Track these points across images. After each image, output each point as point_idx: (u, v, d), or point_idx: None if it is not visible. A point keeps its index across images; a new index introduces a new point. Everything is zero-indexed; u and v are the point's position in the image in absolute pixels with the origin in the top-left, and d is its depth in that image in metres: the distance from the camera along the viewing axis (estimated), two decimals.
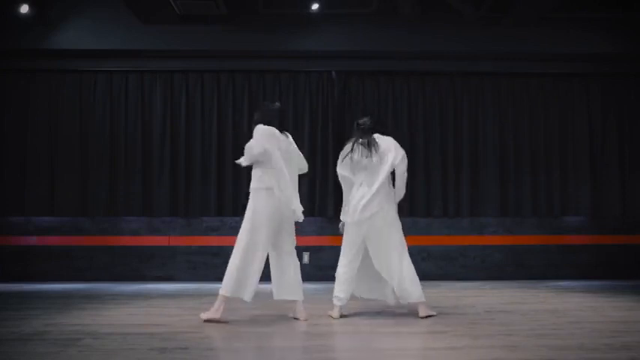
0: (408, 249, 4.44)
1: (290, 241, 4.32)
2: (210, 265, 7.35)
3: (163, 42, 7.21)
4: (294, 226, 4.34)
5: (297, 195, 4.29)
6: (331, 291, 4.47)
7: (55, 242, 7.38)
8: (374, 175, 4.42)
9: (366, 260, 4.47)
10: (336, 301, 4.40)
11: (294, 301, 4.31)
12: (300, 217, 4.22)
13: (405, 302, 4.41)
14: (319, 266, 7.32)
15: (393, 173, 4.46)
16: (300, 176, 4.07)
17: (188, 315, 4.52)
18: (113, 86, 7.51)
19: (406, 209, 7.09)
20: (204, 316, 4.17)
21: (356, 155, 4.47)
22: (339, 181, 4.63)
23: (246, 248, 4.13)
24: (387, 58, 7.51)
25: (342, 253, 4.47)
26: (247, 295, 4.12)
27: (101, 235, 7.42)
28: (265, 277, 4.35)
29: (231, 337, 3.72)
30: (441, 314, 4.49)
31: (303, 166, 4.54)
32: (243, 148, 4.33)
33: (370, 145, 4.46)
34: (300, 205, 4.19)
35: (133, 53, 7.30)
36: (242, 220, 4.24)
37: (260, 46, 7.29)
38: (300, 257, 4.86)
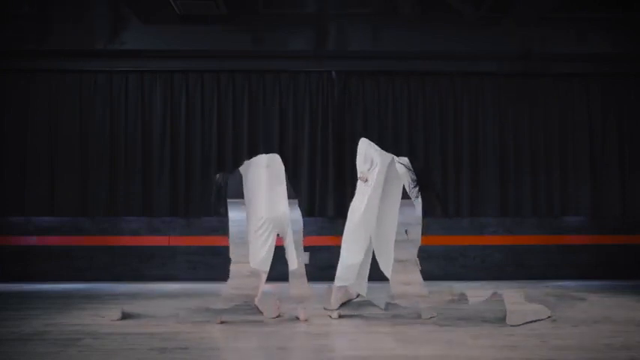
0: None
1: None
2: (210, 265, 7.34)
3: (163, 42, 7.20)
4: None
5: None
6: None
7: (55, 242, 7.37)
8: None
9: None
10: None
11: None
12: None
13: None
14: (319, 266, 7.31)
15: None
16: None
17: (188, 315, 4.52)
18: (113, 86, 7.50)
19: None
20: None
21: None
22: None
23: None
24: (387, 58, 7.50)
25: None
26: None
27: (101, 235, 7.41)
28: (269, 277, 4.40)
29: (232, 337, 3.72)
30: (441, 314, 4.49)
31: None
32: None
33: None
34: None
35: (133, 53, 7.29)
36: None
37: (260, 46, 7.27)
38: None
